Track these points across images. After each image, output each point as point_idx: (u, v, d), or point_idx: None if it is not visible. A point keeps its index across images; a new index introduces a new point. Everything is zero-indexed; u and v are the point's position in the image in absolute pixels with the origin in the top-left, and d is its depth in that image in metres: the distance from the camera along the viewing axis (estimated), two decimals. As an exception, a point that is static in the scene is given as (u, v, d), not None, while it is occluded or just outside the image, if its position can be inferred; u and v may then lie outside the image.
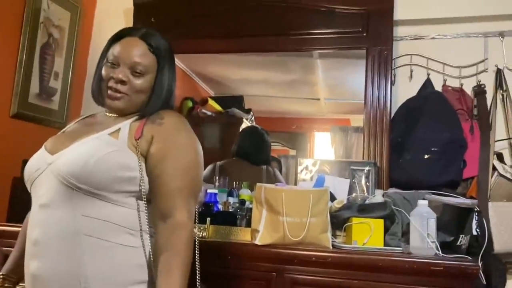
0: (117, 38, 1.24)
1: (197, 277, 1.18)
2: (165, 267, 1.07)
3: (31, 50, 2.16)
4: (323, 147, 2.61)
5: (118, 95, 1.20)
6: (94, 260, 1.07)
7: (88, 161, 1.08)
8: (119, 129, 1.18)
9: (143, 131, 1.17)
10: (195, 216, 1.16)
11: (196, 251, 1.20)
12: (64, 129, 1.31)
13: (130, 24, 2.35)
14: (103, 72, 1.21)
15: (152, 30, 1.28)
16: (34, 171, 1.16)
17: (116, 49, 1.21)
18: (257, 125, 2.60)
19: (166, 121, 1.20)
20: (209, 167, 2.34)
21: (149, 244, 1.14)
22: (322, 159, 2.03)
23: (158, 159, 1.15)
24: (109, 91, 1.20)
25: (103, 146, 1.12)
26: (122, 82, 1.19)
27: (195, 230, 1.20)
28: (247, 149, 2.43)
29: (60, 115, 2.35)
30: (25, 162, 1.92)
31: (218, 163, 2.37)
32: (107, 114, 1.26)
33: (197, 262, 1.19)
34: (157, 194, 1.14)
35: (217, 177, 2.15)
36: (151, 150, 1.15)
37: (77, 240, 1.07)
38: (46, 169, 1.13)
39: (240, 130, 2.54)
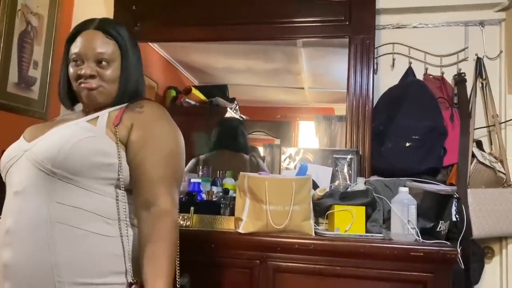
0: (73, 36, 1.22)
1: (177, 267, 1.17)
2: (151, 255, 1.06)
3: (9, 38, 2.10)
4: (307, 136, 2.62)
5: (94, 85, 1.18)
6: (67, 248, 1.05)
7: (64, 145, 1.07)
8: (97, 117, 1.17)
9: (122, 119, 1.15)
10: (178, 205, 1.16)
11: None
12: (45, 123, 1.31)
13: (111, 12, 2.31)
14: (70, 72, 1.20)
15: (107, 18, 1.28)
16: (9, 159, 1.14)
17: (75, 47, 1.19)
18: (230, 116, 2.62)
19: (146, 109, 1.19)
20: (192, 161, 2.34)
21: (128, 234, 1.12)
22: (305, 147, 2.04)
23: (138, 147, 1.13)
24: (82, 85, 1.18)
25: (80, 132, 1.11)
26: (92, 76, 1.18)
27: (179, 220, 1.20)
28: (224, 138, 2.46)
29: (40, 104, 2.30)
30: (3, 152, 1.91)
31: (201, 156, 2.38)
32: (86, 109, 1.25)
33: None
34: (139, 183, 1.12)
35: (200, 167, 2.15)
36: (131, 138, 1.14)
37: (50, 228, 1.04)
38: (22, 156, 1.11)
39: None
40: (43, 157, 1.07)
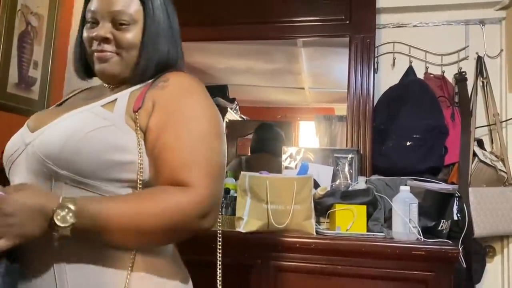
0: None
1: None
2: (123, 197, 0.83)
3: (9, 38, 2.10)
4: (308, 136, 2.62)
5: (108, 54, 0.94)
6: (76, 269, 0.82)
7: (69, 139, 0.82)
8: (116, 99, 0.91)
9: (144, 100, 0.89)
10: (220, 206, 0.87)
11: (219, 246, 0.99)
12: (56, 103, 1.08)
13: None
14: (84, 35, 0.97)
15: None
16: (11, 154, 0.92)
17: (92, 4, 0.96)
18: (269, 121, 2.67)
19: (171, 83, 0.91)
20: (235, 160, 2.40)
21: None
22: (306, 147, 2.04)
23: (157, 134, 0.86)
24: (95, 54, 0.95)
25: (91, 121, 0.85)
26: (105, 40, 0.94)
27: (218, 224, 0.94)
28: (264, 142, 2.53)
29: (40, 104, 2.30)
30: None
31: (243, 157, 2.46)
32: (105, 85, 1.01)
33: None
34: (158, 179, 0.85)
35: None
36: (149, 123, 0.87)
37: (58, 248, 0.81)
38: (23, 150, 0.89)
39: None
40: (45, 155, 0.84)
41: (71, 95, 1.11)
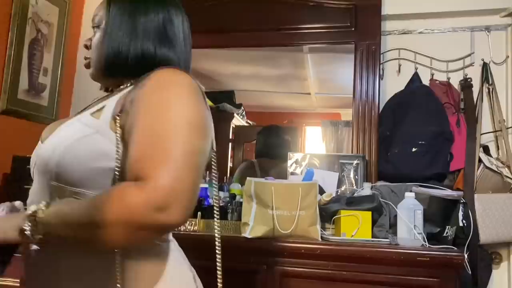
0: None
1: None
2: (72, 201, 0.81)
3: (20, 46, 2.14)
4: (314, 142, 2.63)
5: (86, 60, 0.98)
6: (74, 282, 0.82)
7: (55, 150, 0.81)
8: (104, 106, 0.87)
9: (126, 101, 0.84)
10: (190, 200, 0.74)
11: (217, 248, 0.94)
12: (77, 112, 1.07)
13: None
14: None
15: None
16: (31, 164, 0.93)
17: None
18: (273, 124, 2.66)
19: (152, 78, 0.83)
20: (245, 163, 2.40)
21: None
22: (312, 153, 2.05)
23: (129, 131, 0.80)
24: None
25: (76, 130, 0.83)
26: (86, 47, 0.98)
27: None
28: (266, 146, 2.51)
29: (49, 111, 2.34)
30: (15, 158, 1.95)
31: (254, 160, 2.45)
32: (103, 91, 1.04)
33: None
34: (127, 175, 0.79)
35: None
36: (126, 123, 0.82)
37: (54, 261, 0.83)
38: (35, 162, 0.89)
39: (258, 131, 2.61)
40: (39, 166, 0.85)
41: (90, 103, 1.08)
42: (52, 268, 0.83)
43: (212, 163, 0.91)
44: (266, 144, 2.54)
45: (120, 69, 0.91)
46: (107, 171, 0.81)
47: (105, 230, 0.71)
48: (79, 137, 0.82)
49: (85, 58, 0.98)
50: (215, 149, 0.90)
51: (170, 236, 0.94)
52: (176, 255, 0.92)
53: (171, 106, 0.79)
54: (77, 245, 0.80)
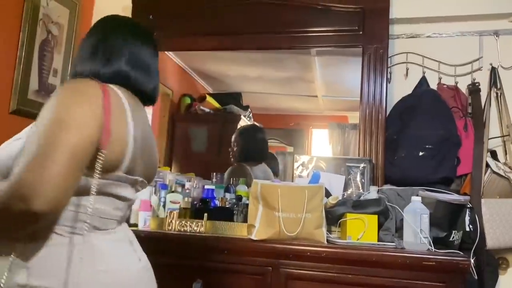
0: None
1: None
2: None
3: (30, 46, 2.17)
4: (320, 144, 2.63)
5: None
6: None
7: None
8: None
9: None
10: (54, 189, 0.79)
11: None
12: None
13: (129, 21, 2.36)
14: None
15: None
16: None
17: None
18: (253, 123, 2.63)
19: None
20: (232, 168, 2.35)
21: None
22: (318, 155, 2.05)
23: None
24: None
25: (17, 137, 0.96)
26: None
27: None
28: (246, 150, 2.46)
29: (59, 111, 2.36)
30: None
31: (243, 163, 2.39)
32: None
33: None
34: None
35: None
36: None
37: None
38: None
39: (238, 131, 2.55)
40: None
41: None
42: None
43: (97, 161, 0.89)
44: (250, 148, 2.48)
45: None
46: None
47: None
48: (10, 142, 0.94)
49: None
50: (103, 148, 0.89)
51: (85, 231, 0.91)
52: (79, 249, 0.89)
53: (49, 107, 0.87)
54: None
